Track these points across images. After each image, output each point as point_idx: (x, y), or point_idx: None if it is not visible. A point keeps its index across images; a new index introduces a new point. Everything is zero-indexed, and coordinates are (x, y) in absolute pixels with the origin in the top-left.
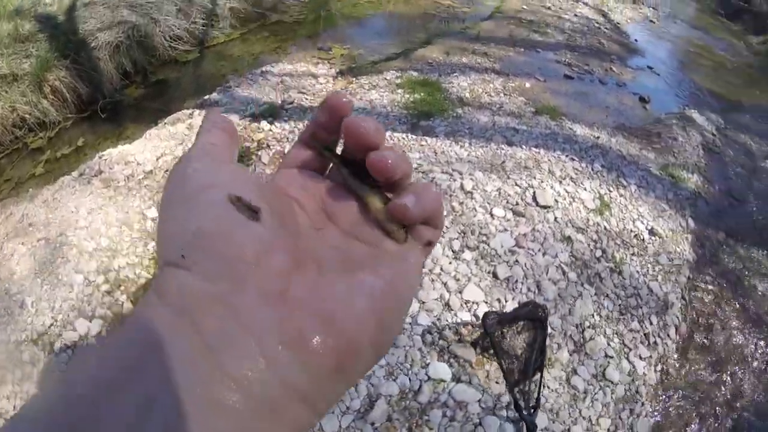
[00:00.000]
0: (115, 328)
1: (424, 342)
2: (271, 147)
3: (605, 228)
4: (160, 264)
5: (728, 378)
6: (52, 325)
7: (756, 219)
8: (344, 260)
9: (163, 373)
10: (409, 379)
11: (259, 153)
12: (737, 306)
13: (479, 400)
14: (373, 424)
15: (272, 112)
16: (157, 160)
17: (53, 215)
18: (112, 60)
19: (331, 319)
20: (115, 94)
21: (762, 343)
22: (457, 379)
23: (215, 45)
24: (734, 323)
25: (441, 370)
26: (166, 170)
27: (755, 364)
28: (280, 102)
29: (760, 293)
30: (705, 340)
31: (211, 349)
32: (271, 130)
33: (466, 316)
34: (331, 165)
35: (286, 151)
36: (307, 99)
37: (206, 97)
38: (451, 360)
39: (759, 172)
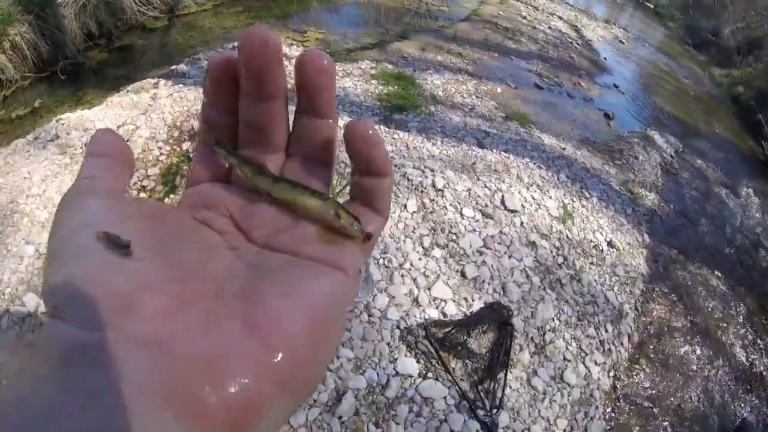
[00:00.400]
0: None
1: (392, 336)
2: None
3: (567, 236)
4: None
5: (675, 386)
6: None
7: (706, 240)
8: (255, 285)
9: None
10: (377, 374)
11: None
12: (686, 320)
13: (445, 397)
14: (340, 417)
15: None
16: (118, 128)
17: (4, 180)
18: (78, 19)
19: (224, 368)
20: (78, 56)
21: (706, 354)
22: (423, 376)
23: (186, 14)
24: (682, 336)
25: (409, 365)
26: (127, 140)
27: (700, 374)
28: None
29: (707, 309)
30: (654, 350)
31: (92, 408)
32: None
33: (434, 313)
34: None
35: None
36: None
37: (173, 67)
38: (419, 356)
39: (711, 197)
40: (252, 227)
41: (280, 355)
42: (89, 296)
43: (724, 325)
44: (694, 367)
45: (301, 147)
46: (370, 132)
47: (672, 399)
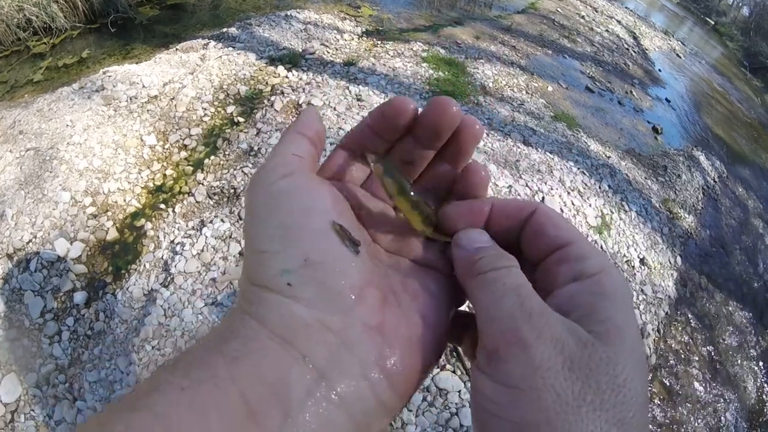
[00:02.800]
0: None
1: None
2: (285, 94)
3: (602, 247)
4: (248, 283)
5: (684, 416)
6: (30, 241)
7: (737, 271)
8: (413, 288)
9: (284, 411)
10: None
11: (272, 99)
12: (704, 349)
13: (459, 391)
14: None
15: (291, 59)
16: (164, 86)
17: (47, 126)
18: None
19: (416, 346)
20: (129, 11)
21: (719, 387)
22: (442, 367)
23: None
24: (697, 365)
25: None
26: (172, 98)
27: (710, 406)
28: (301, 50)
29: (724, 345)
30: (669, 376)
31: (323, 376)
32: (287, 77)
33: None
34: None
35: (305, 104)
36: (329, 52)
37: (224, 30)
38: None
39: (749, 228)
40: (375, 230)
41: (436, 341)
42: (330, 285)
43: (740, 360)
44: (705, 399)
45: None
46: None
47: (680, 429)
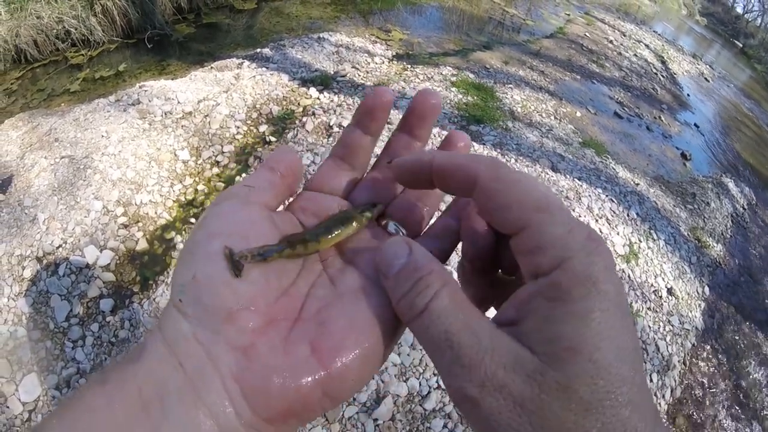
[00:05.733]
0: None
1: None
2: (317, 115)
3: (629, 276)
4: (170, 296)
5: None
6: (60, 246)
7: (766, 302)
8: (328, 311)
9: (163, 408)
10: (419, 384)
11: (304, 119)
12: (730, 383)
13: None
14: (376, 420)
15: (323, 81)
16: (198, 103)
17: (82, 135)
18: None
19: (290, 377)
20: (165, 28)
21: (743, 424)
22: None
23: (274, 0)
24: (722, 399)
25: None
26: (206, 114)
27: None
28: (332, 72)
29: (752, 378)
30: (692, 410)
31: (191, 383)
32: (318, 98)
33: None
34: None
35: (335, 126)
36: (360, 75)
37: (258, 50)
38: None
39: None
40: (347, 242)
41: (333, 378)
42: (205, 304)
43: (766, 395)
44: None
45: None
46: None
47: None
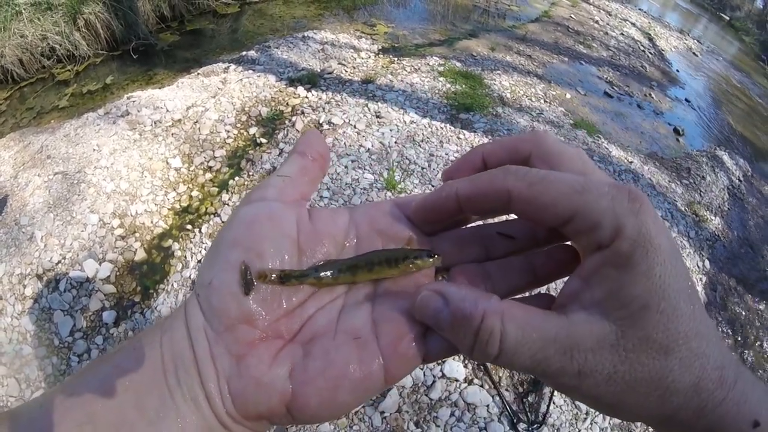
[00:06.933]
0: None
1: None
2: (306, 114)
3: None
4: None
5: None
6: (59, 262)
7: (767, 271)
8: (313, 346)
9: (169, 386)
10: (424, 374)
11: (293, 119)
12: (735, 354)
13: (488, 405)
14: (382, 413)
15: (310, 80)
16: (187, 109)
17: (74, 150)
18: (151, 2)
19: (265, 391)
20: (150, 37)
21: None
22: (470, 381)
23: (257, 2)
24: None
25: (456, 369)
26: (196, 121)
27: None
28: (319, 70)
29: (758, 348)
30: None
31: (197, 366)
32: (307, 97)
33: None
34: None
35: (325, 124)
36: (347, 71)
37: (243, 53)
38: (467, 360)
39: None
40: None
41: (298, 403)
42: (214, 308)
43: None
44: None
45: None
46: None
47: None
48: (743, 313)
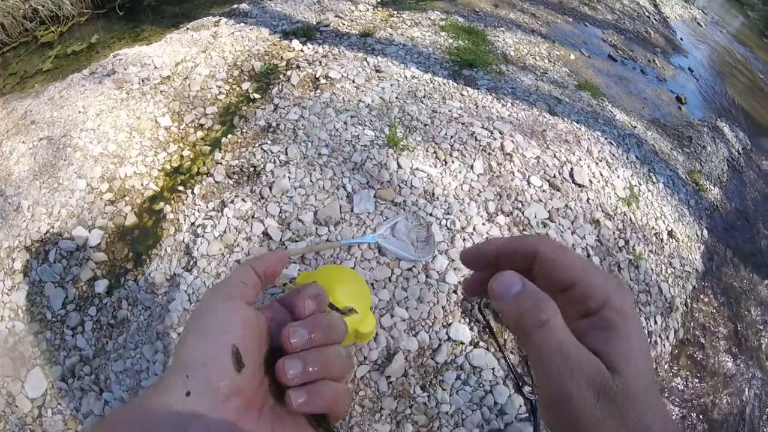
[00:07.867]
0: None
1: (448, 300)
2: (302, 68)
3: (631, 219)
4: (173, 363)
5: (708, 391)
6: (48, 231)
7: (762, 245)
8: (280, 416)
9: None
10: (429, 337)
11: (288, 73)
12: (730, 324)
13: (493, 369)
14: (389, 377)
15: (306, 32)
16: (176, 66)
17: (59, 114)
18: None
19: None
20: None
21: (743, 364)
22: (475, 344)
23: None
24: (723, 341)
25: (462, 331)
26: (185, 77)
27: (734, 383)
28: (315, 23)
29: (750, 318)
30: (694, 350)
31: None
32: (302, 50)
33: None
34: None
35: (322, 78)
36: (344, 24)
37: (235, 6)
38: (473, 323)
39: None
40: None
41: None
42: (207, 385)
43: (765, 334)
44: (730, 375)
45: None
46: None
47: (704, 403)
48: (737, 283)
